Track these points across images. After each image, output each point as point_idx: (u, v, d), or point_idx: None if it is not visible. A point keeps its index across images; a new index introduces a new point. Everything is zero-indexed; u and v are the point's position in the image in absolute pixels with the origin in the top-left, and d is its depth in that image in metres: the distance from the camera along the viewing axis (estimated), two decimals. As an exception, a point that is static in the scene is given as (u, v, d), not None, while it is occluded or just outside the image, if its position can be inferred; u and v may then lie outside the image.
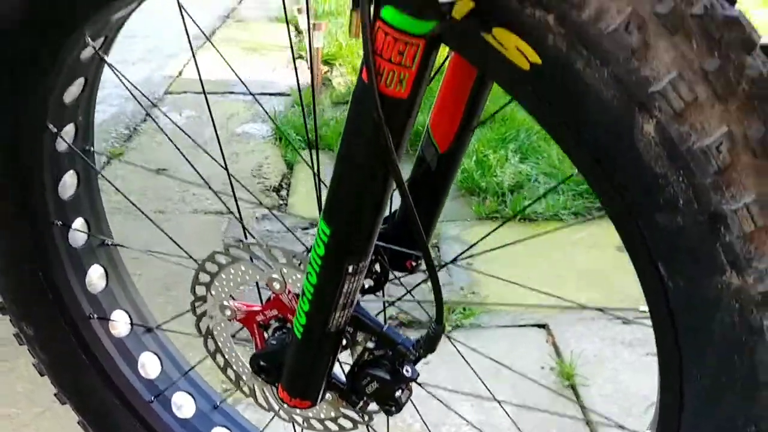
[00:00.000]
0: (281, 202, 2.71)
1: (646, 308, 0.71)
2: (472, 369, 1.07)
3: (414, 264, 1.03)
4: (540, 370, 1.82)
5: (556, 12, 0.60)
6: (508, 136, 2.77)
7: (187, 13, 0.89)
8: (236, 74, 1.67)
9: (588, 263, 2.23)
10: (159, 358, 1.25)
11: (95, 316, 1.17)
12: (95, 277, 1.19)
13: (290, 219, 2.55)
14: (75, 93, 0.98)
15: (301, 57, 4.26)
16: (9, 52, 0.89)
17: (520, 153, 2.80)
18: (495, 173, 2.65)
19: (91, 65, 0.97)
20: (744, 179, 0.60)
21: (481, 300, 2.05)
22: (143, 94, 1.12)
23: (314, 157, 0.92)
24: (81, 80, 0.97)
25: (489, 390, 1.08)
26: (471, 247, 1.94)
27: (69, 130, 1.02)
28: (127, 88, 1.04)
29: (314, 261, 0.77)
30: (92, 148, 1.09)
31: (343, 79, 3.82)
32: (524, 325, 1.99)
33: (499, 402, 1.05)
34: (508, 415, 1.27)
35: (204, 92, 1.12)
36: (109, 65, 0.97)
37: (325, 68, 3.83)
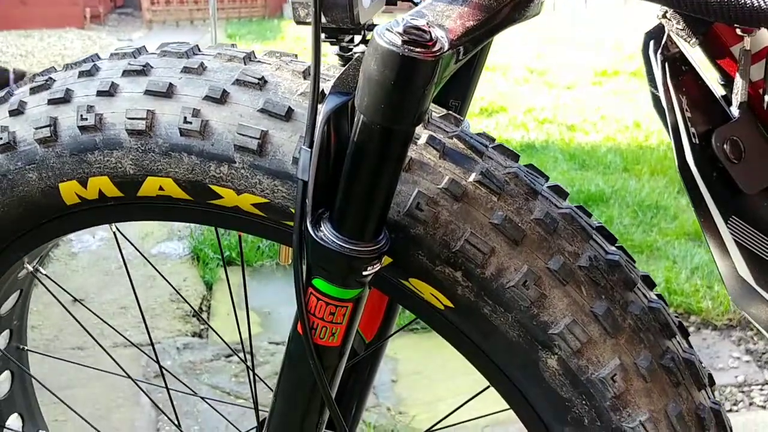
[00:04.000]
0: (202, 327, 2.72)
1: None
2: None
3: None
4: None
5: (463, 270, 0.69)
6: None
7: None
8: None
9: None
10: None
11: None
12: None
13: (212, 347, 2.55)
14: (10, 304, 1.01)
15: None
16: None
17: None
18: (411, 285, 2.74)
19: (26, 279, 1.01)
20: (638, 400, 0.70)
21: (409, 420, 2.11)
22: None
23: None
24: (17, 294, 1.01)
25: None
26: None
27: (4, 335, 1.05)
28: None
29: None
30: (25, 347, 1.12)
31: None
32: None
33: None
34: None
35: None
36: (44, 276, 1.01)
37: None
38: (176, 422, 1.21)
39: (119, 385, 2.30)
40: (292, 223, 0.73)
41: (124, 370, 1.11)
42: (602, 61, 7.26)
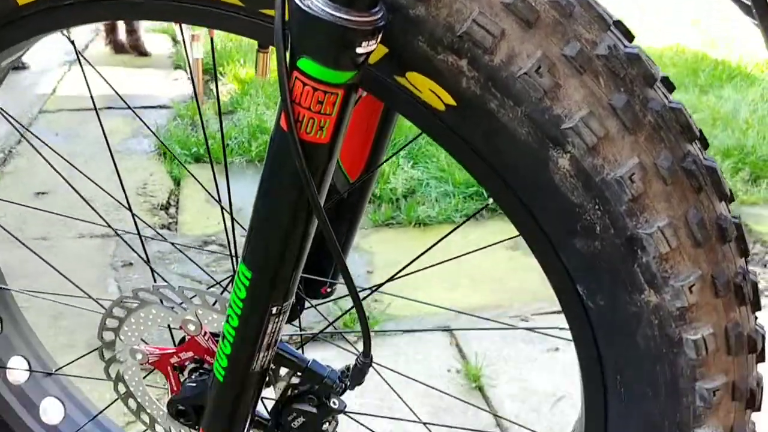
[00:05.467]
0: (171, 220, 2.64)
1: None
2: (398, 394, 1.08)
3: (329, 290, 1.03)
4: (447, 373, 1.86)
5: (469, 57, 0.61)
6: (398, 143, 2.79)
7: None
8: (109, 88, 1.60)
9: (481, 264, 2.28)
10: (62, 403, 1.19)
11: (-9, 366, 1.11)
12: (-13, 324, 1.12)
13: (181, 238, 2.48)
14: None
15: (180, 67, 4.16)
16: None
17: (411, 159, 2.85)
18: (388, 180, 2.67)
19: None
20: (656, 204, 0.64)
21: (385, 307, 2.07)
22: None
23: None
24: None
25: (416, 415, 1.10)
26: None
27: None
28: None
29: (235, 305, 0.75)
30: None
31: (226, 88, 3.75)
32: (427, 330, 2.02)
33: (424, 424, 1.06)
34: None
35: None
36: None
37: (207, 77, 3.74)
38: (150, 266, 1.13)
39: (86, 276, 2.22)
40: (272, 12, 0.64)
41: (104, 220, 1.04)
42: None
